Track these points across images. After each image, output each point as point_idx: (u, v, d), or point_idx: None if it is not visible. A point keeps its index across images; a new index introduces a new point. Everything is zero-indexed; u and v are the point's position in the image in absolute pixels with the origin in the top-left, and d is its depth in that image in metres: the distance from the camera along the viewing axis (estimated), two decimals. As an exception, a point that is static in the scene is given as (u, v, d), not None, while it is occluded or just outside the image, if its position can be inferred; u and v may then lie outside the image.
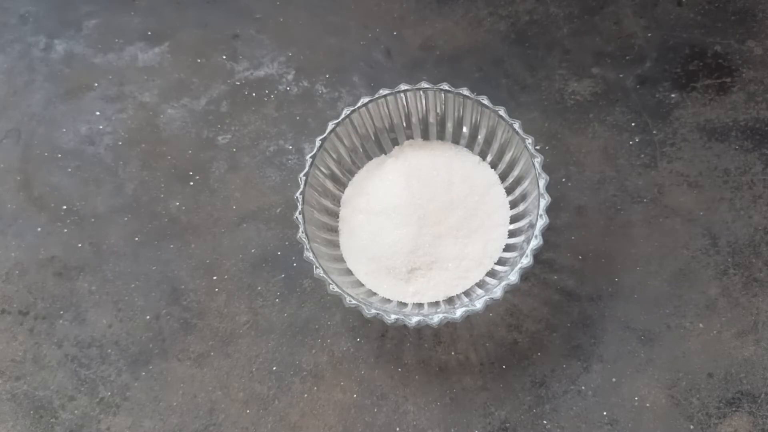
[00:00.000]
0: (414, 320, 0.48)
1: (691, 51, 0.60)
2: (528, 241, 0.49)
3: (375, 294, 0.52)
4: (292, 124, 0.60)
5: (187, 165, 0.59)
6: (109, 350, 0.54)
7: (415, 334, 0.53)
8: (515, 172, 0.53)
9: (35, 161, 0.60)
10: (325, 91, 0.61)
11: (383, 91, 0.53)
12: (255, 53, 0.63)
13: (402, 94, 0.53)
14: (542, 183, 0.49)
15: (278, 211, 0.57)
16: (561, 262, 0.54)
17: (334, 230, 0.54)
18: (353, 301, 0.48)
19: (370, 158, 0.56)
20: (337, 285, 0.48)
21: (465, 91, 0.52)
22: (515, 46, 0.62)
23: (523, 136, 0.51)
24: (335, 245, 0.53)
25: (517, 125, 0.51)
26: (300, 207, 0.50)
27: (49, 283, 0.56)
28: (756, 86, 0.59)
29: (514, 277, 0.48)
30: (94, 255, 0.57)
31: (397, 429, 0.51)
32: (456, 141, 0.56)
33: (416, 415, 0.51)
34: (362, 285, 0.52)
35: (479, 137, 0.54)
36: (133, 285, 0.56)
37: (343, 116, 0.53)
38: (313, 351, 0.53)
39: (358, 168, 0.56)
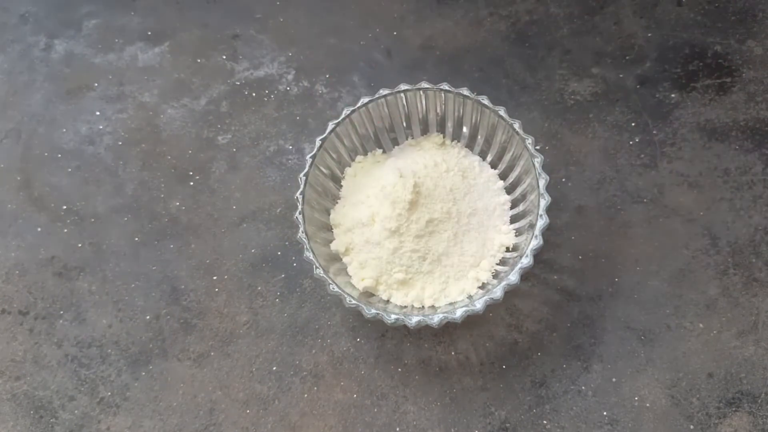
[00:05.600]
0: (414, 320, 0.48)
1: (691, 51, 0.61)
2: (528, 241, 0.49)
3: (375, 294, 0.52)
4: (292, 124, 0.60)
5: (187, 165, 0.60)
6: (109, 350, 0.54)
7: (415, 334, 0.53)
8: (515, 172, 0.53)
9: (35, 161, 0.60)
10: (325, 91, 0.62)
11: (383, 91, 0.53)
12: (255, 53, 0.63)
13: (402, 94, 0.53)
14: (542, 183, 0.49)
15: (278, 211, 0.57)
16: (561, 262, 0.54)
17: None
18: (353, 301, 0.48)
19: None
20: (337, 285, 0.48)
21: (465, 91, 0.52)
22: (515, 46, 0.62)
23: (523, 136, 0.51)
24: (335, 245, 0.53)
25: (517, 125, 0.51)
26: (300, 207, 0.50)
27: (49, 283, 0.56)
28: (756, 86, 0.59)
29: (514, 277, 0.48)
30: (94, 255, 0.57)
31: (397, 429, 0.51)
32: (456, 141, 0.56)
33: (416, 415, 0.51)
34: (362, 285, 0.52)
35: (479, 137, 0.54)
36: (133, 285, 0.56)
37: (343, 116, 0.53)
38: (313, 351, 0.53)
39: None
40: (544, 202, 0.49)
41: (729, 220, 0.55)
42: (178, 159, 0.60)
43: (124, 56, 0.64)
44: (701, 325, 0.52)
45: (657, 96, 0.59)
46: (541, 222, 0.49)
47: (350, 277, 0.52)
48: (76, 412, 0.52)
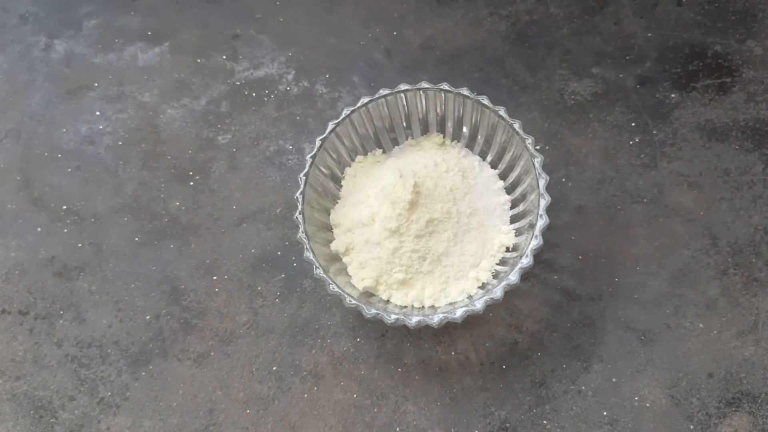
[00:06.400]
0: (414, 320, 0.48)
1: (691, 51, 0.61)
2: (528, 241, 0.49)
3: (375, 294, 0.52)
4: (292, 124, 0.60)
5: (187, 165, 0.60)
6: (109, 350, 0.54)
7: (415, 334, 0.53)
8: (515, 172, 0.53)
9: (35, 161, 0.60)
10: (325, 91, 0.62)
11: (383, 91, 0.53)
12: (255, 53, 0.63)
13: (402, 94, 0.53)
14: (542, 183, 0.49)
15: (278, 211, 0.57)
16: (561, 262, 0.54)
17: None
18: (353, 301, 0.48)
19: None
20: (337, 285, 0.48)
21: (465, 91, 0.52)
22: (515, 46, 0.62)
23: (523, 136, 0.51)
24: (335, 245, 0.53)
25: (517, 125, 0.51)
26: (300, 207, 0.50)
27: (49, 283, 0.56)
28: (756, 86, 0.59)
29: (514, 277, 0.48)
30: (94, 255, 0.57)
31: (397, 429, 0.51)
32: (456, 141, 0.56)
33: (416, 415, 0.51)
34: (362, 285, 0.52)
35: (479, 137, 0.54)
36: (133, 285, 0.56)
37: (343, 116, 0.53)
38: (313, 351, 0.53)
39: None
40: (544, 202, 0.49)
41: (729, 220, 0.55)
42: (178, 159, 0.60)
43: (124, 56, 0.64)
44: (701, 325, 0.52)
45: (657, 96, 0.59)
46: (541, 222, 0.49)
47: (350, 277, 0.52)
48: (76, 412, 0.52)
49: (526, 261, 0.48)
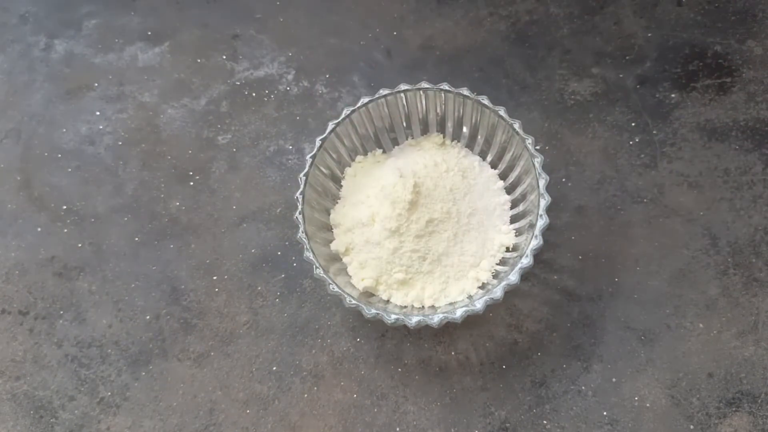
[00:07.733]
0: (414, 320, 0.48)
1: (691, 51, 0.61)
2: (528, 241, 0.49)
3: (375, 294, 0.52)
4: (292, 124, 0.60)
5: (187, 165, 0.60)
6: (109, 350, 0.54)
7: (415, 334, 0.53)
8: (515, 172, 0.53)
9: (35, 161, 0.60)
10: (325, 91, 0.62)
11: (383, 91, 0.53)
12: (255, 53, 0.63)
13: (402, 94, 0.53)
14: (542, 183, 0.49)
15: (278, 211, 0.57)
16: (561, 262, 0.54)
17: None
18: (353, 301, 0.48)
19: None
20: (337, 285, 0.48)
21: (465, 91, 0.52)
22: (515, 46, 0.62)
23: (523, 136, 0.51)
24: (335, 245, 0.53)
25: (517, 125, 0.51)
26: (300, 207, 0.50)
27: (49, 283, 0.56)
28: (756, 86, 0.59)
29: (514, 277, 0.48)
30: (94, 255, 0.57)
31: (397, 429, 0.51)
32: (456, 141, 0.56)
33: (416, 415, 0.51)
34: (362, 285, 0.52)
35: (479, 137, 0.54)
36: (133, 285, 0.56)
37: (343, 116, 0.53)
38: (313, 351, 0.53)
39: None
40: (544, 202, 0.49)
41: (729, 220, 0.55)
42: (178, 159, 0.60)
43: (124, 56, 0.64)
44: (701, 325, 0.52)
45: (657, 96, 0.59)
46: (541, 222, 0.49)
47: (350, 277, 0.52)
48: (76, 412, 0.52)
49: (526, 261, 0.48)
